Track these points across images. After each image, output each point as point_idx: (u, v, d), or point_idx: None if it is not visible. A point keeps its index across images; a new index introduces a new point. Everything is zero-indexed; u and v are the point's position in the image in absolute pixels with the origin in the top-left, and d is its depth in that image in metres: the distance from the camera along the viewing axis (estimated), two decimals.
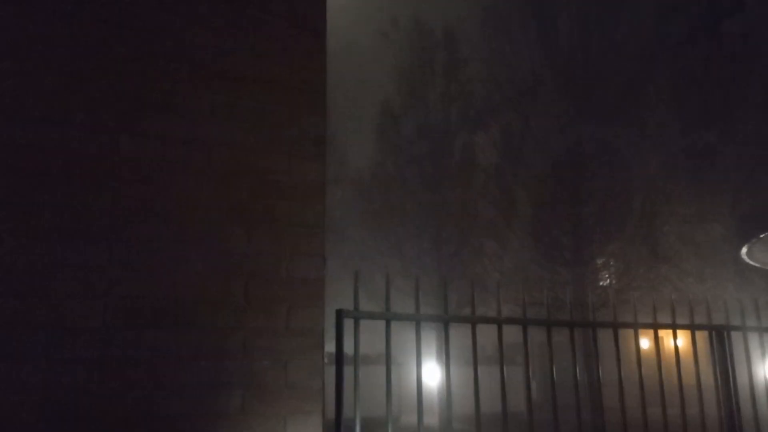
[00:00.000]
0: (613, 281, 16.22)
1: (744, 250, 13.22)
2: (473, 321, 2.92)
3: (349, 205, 19.38)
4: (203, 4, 2.60)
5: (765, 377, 4.15)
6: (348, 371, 2.58)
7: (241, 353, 2.34)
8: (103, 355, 2.16)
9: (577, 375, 3.40)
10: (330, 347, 11.63)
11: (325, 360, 2.43)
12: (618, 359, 3.56)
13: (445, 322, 2.87)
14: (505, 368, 3.04)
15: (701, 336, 3.31)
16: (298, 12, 2.77)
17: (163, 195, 2.37)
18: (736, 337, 3.97)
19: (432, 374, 17.65)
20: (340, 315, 2.55)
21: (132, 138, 2.38)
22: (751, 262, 14.14)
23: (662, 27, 17.03)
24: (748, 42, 16.63)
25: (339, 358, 2.46)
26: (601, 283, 16.49)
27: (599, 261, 16.53)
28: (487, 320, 3.01)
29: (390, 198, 17.94)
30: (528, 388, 3.23)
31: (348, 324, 2.62)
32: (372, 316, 2.63)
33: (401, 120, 18.57)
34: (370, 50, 19.92)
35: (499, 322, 3.06)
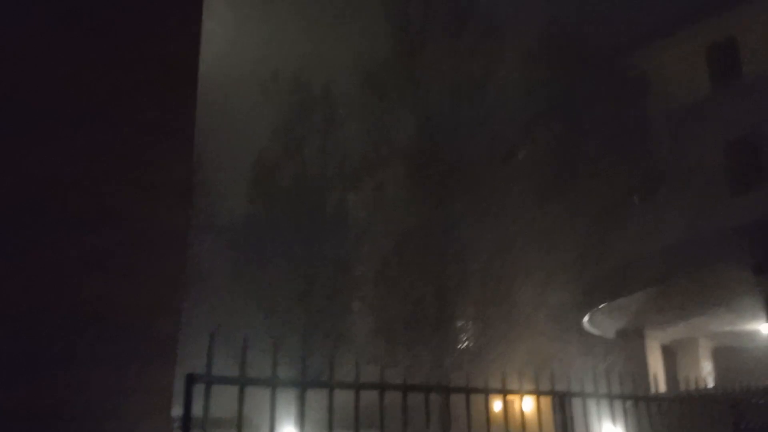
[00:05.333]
0: (471, 342, 16.85)
1: (586, 318, 14.35)
2: (331, 386, 2.91)
3: (218, 255, 18.77)
4: (83, 40, 2.48)
5: None
6: None
7: (86, 414, 2.15)
8: None
9: None
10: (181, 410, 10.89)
11: (175, 424, 2.30)
12: (469, 424, 3.69)
13: (302, 387, 2.84)
14: None
15: (547, 400, 3.52)
16: (171, 54, 2.72)
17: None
18: (576, 402, 4.30)
19: None
20: (190, 380, 2.44)
21: None
22: (592, 330, 15.34)
23: (524, 102, 18.55)
24: (597, 119, 18.44)
25: (186, 426, 2.33)
26: (459, 346, 17.06)
27: (460, 322, 17.16)
28: (344, 386, 3.02)
29: (261, 250, 17.62)
30: None
31: (200, 388, 2.51)
32: (224, 381, 2.54)
33: (277, 172, 18.53)
34: (250, 102, 19.86)
35: (357, 387, 3.07)
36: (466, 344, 17.21)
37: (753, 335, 16.90)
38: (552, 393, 4.15)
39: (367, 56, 17.91)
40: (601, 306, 14.09)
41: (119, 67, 2.57)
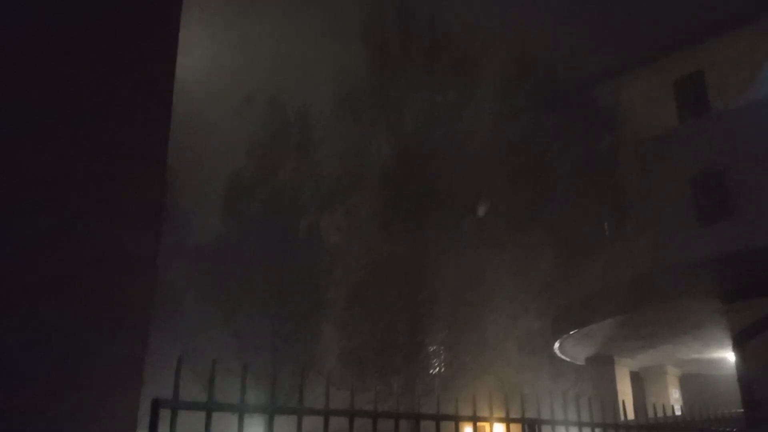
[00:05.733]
0: (442, 368, 16.81)
1: (556, 344, 14.41)
2: (300, 412, 2.87)
3: (188, 277, 18.50)
4: (71, 62, 2.45)
5: None
6: None
7: None
8: None
9: None
10: None
11: None
12: None
13: (270, 413, 2.80)
14: None
15: (517, 427, 3.54)
16: (146, 76, 2.70)
17: None
18: (546, 429, 4.33)
19: None
20: (155, 405, 2.38)
21: None
22: (562, 356, 15.41)
23: (496, 131, 18.79)
24: (566, 150, 18.74)
25: None
26: (431, 371, 17.01)
27: (431, 348, 17.12)
28: (313, 412, 2.98)
29: (231, 273, 17.42)
30: None
31: (166, 414, 2.45)
32: (191, 406, 2.49)
33: (250, 194, 18.42)
34: (224, 124, 19.80)
35: (326, 414, 3.04)
36: (437, 370, 17.15)
37: (720, 363, 17.16)
38: (522, 420, 4.15)
39: (344, 80, 18.05)
40: (571, 333, 14.19)
41: (115, 70, 2.54)
